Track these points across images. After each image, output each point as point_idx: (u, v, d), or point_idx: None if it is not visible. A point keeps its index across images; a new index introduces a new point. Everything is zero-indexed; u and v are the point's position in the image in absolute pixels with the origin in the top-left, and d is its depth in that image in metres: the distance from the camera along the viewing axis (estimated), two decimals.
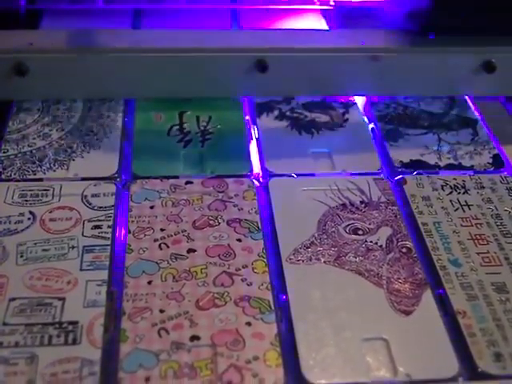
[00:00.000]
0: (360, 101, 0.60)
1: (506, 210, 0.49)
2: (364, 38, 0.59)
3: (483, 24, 0.57)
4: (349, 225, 0.47)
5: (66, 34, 0.58)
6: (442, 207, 0.49)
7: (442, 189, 0.51)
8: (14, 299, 0.41)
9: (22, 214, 0.47)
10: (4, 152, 0.52)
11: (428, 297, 0.43)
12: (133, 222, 0.47)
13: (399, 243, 0.46)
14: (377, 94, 0.61)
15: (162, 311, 0.41)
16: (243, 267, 0.44)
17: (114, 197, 0.48)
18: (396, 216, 0.48)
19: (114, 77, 0.57)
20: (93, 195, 0.48)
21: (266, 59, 0.57)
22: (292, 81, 0.59)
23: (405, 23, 0.60)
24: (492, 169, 0.53)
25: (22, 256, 0.44)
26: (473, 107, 0.60)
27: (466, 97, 0.62)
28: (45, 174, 0.50)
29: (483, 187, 0.51)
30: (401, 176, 0.52)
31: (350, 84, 0.60)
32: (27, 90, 0.57)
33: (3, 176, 0.50)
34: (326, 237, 0.46)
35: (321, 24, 0.67)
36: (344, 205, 0.49)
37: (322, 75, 0.59)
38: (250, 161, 0.53)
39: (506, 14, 0.56)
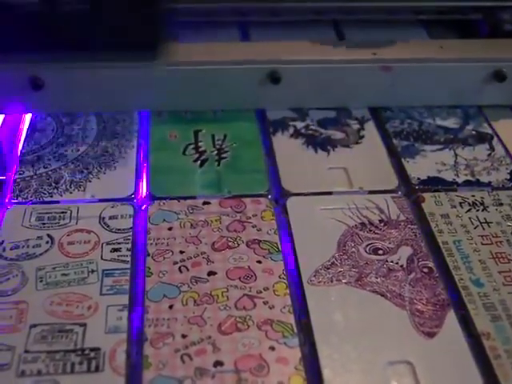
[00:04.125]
0: (375, 117, 0.60)
1: None
2: (375, 49, 0.59)
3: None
4: (369, 244, 0.47)
5: None
6: (462, 225, 0.49)
7: (461, 206, 0.51)
8: (35, 325, 0.41)
9: (40, 238, 0.47)
10: (20, 174, 0.52)
11: (451, 318, 0.42)
12: (151, 244, 0.46)
13: (420, 263, 0.46)
14: (388, 104, 0.61)
15: (184, 336, 0.40)
16: (264, 290, 0.43)
17: (131, 219, 0.48)
18: (416, 235, 0.48)
19: (129, 90, 0.57)
20: (110, 217, 0.48)
21: (279, 71, 0.57)
22: (305, 92, 0.59)
23: None
24: (510, 185, 0.53)
25: (41, 281, 0.44)
26: (488, 122, 0.60)
27: (480, 111, 0.61)
28: (61, 195, 0.50)
29: (501, 204, 0.51)
30: (419, 194, 0.51)
31: (362, 95, 0.61)
32: (43, 103, 0.57)
33: (20, 198, 0.50)
34: (346, 257, 0.46)
35: None
36: (363, 224, 0.49)
37: (333, 86, 0.59)
38: (267, 180, 0.52)
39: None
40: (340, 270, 0.45)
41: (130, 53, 0.56)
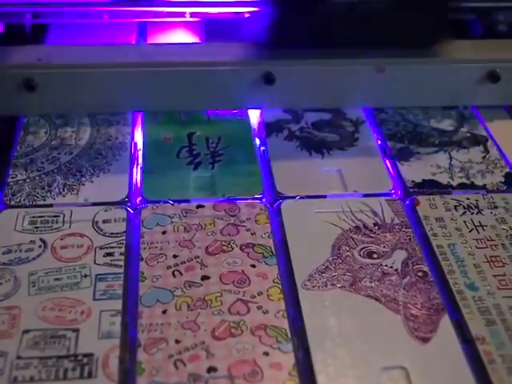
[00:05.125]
0: (369, 119, 0.60)
1: None
2: (369, 50, 0.59)
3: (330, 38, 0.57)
4: (363, 248, 0.47)
5: (74, 49, 0.59)
6: (456, 228, 0.49)
7: (456, 209, 0.50)
8: (27, 331, 0.40)
9: (32, 242, 0.46)
10: (12, 177, 0.52)
11: (446, 323, 0.42)
12: (145, 248, 0.46)
13: (415, 267, 0.46)
14: (382, 105, 0.61)
15: (177, 342, 0.40)
16: (258, 294, 0.43)
17: (125, 222, 0.48)
18: (410, 238, 0.48)
19: (123, 91, 0.57)
20: (104, 221, 0.48)
21: (274, 72, 0.57)
22: (299, 93, 0.59)
23: (263, 36, 0.59)
24: (505, 188, 0.53)
25: (34, 286, 0.43)
26: (483, 124, 0.60)
27: (476, 113, 0.61)
28: (54, 199, 0.50)
29: (496, 207, 0.51)
30: (413, 197, 0.51)
31: (356, 96, 0.60)
32: (36, 105, 0.57)
33: (13, 202, 0.49)
34: (340, 261, 0.46)
35: (189, 38, 0.67)
36: (357, 227, 0.49)
37: (328, 87, 0.59)
38: (261, 183, 0.52)
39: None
40: (334, 274, 0.45)
41: None
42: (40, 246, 0.46)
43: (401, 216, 0.50)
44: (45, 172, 0.52)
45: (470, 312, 0.43)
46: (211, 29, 0.67)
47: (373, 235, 0.48)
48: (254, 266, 0.45)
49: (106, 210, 0.49)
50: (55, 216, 0.48)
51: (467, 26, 0.68)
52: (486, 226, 0.49)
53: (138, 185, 0.52)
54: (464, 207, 0.51)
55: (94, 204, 0.50)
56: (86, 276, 0.44)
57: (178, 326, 0.41)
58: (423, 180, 0.53)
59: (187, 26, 0.68)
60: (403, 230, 0.48)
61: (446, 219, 0.49)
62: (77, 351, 0.39)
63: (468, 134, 0.59)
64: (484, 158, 0.56)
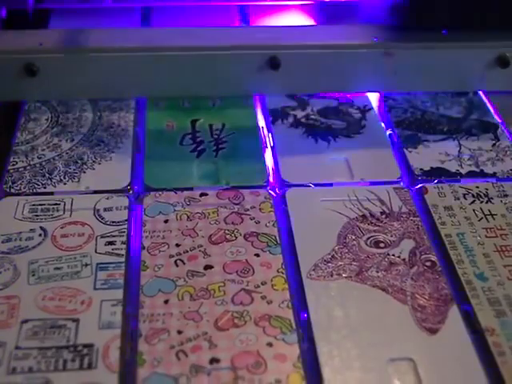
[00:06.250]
0: (377, 106, 0.59)
1: None
2: (376, 34, 0.58)
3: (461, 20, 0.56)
4: (370, 237, 0.46)
5: (76, 33, 0.58)
6: (465, 217, 0.48)
7: (465, 197, 0.49)
8: (26, 321, 0.40)
9: (32, 230, 0.45)
10: (13, 164, 0.51)
11: (454, 314, 0.41)
12: (147, 237, 0.45)
13: (422, 256, 0.45)
14: (389, 90, 0.60)
15: (179, 332, 0.39)
16: (262, 284, 0.42)
17: (126, 211, 0.47)
18: (418, 227, 0.47)
19: (125, 76, 0.56)
20: (105, 209, 0.47)
21: (279, 56, 0.56)
22: (304, 78, 0.58)
23: (386, 18, 0.58)
24: None
25: (33, 275, 0.42)
26: (493, 111, 0.59)
27: (485, 100, 0.60)
28: (55, 187, 0.49)
29: (506, 195, 0.50)
30: (421, 185, 0.50)
31: (363, 80, 0.59)
32: (38, 90, 0.56)
33: (12, 190, 0.48)
34: (346, 250, 0.45)
35: (304, 20, 0.66)
36: (364, 216, 0.48)
37: (334, 72, 0.58)
38: (266, 171, 0.51)
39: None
40: (340, 263, 0.44)
41: None
42: (40, 235, 0.45)
43: (408, 204, 0.48)
44: (46, 159, 0.51)
45: (479, 303, 0.42)
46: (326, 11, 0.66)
47: (380, 224, 0.47)
48: (258, 255, 0.44)
49: (107, 198, 0.48)
50: (56, 204, 0.47)
51: None
52: (495, 214, 0.48)
53: (141, 173, 0.50)
54: (473, 196, 0.49)
55: (96, 192, 0.49)
56: (86, 265, 0.43)
57: (180, 316, 0.40)
58: (431, 168, 0.52)
59: (301, 8, 0.67)
60: (411, 218, 0.47)
61: (455, 208, 0.48)
62: (77, 342, 0.38)
63: (477, 122, 0.58)
64: (494, 145, 0.55)
